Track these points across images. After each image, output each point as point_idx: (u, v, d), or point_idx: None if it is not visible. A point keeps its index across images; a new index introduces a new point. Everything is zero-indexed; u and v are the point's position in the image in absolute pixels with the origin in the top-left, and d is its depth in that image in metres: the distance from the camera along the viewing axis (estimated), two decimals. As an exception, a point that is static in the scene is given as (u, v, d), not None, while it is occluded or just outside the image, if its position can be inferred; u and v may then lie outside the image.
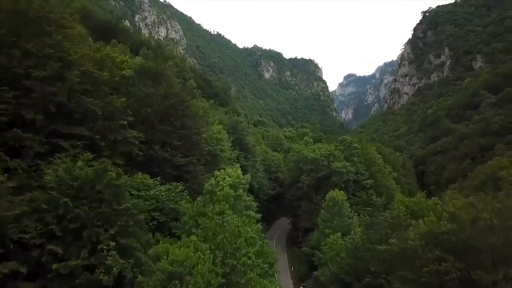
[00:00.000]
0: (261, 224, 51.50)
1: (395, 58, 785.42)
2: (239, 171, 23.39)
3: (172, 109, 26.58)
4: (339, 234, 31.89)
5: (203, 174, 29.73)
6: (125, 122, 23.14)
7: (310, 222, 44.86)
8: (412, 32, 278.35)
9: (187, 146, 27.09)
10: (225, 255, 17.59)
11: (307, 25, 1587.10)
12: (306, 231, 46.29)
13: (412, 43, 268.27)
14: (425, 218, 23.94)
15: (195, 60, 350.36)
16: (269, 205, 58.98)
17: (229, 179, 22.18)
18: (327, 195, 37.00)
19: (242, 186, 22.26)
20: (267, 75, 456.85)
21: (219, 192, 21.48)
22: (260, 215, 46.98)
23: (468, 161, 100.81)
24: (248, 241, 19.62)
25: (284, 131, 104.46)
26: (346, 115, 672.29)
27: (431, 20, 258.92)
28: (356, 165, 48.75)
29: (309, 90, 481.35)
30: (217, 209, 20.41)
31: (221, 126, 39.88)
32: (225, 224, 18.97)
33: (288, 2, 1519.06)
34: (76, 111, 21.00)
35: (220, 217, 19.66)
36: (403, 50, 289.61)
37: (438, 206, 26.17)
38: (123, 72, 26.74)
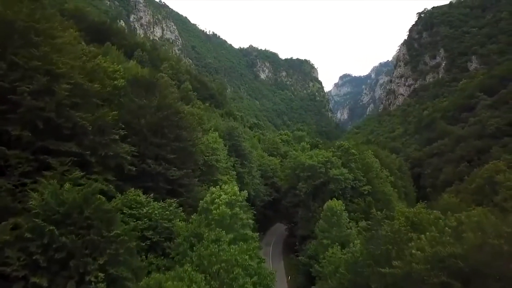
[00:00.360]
0: (257, 231, 50.98)
1: (390, 59, 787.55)
2: (236, 188, 22.55)
3: (166, 121, 25.67)
4: (338, 247, 31.17)
5: (199, 186, 28.87)
6: (117, 137, 22.23)
7: (307, 230, 44.17)
8: (408, 33, 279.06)
9: (181, 158, 26.22)
10: (221, 286, 16.75)
11: (303, 25, 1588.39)
12: (303, 239, 45.59)
13: (407, 44, 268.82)
14: (427, 233, 23.30)
15: (190, 61, 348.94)
16: (265, 211, 58.28)
17: (225, 196, 21.36)
18: (325, 204, 36.29)
19: (238, 203, 21.45)
20: (262, 76, 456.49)
21: (214, 211, 20.65)
22: (258, 224, 46.30)
23: (464, 163, 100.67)
24: (246, 270, 18.76)
25: (281, 135, 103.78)
26: (342, 115, 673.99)
27: (426, 21, 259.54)
28: (354, 171, 48.14)
29: (304, 91, 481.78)
30: (212, 236, 19.49)
31: (216, 133, 39.06)
32: (221, 253, 18.13)
33: (284, 2, 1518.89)
34: (65, 126, 20.05)
35: (216, 246, 18.76)
36: (398, 51, 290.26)
37: (441, 220, 25.43)
38: (115, 82, 25.81)
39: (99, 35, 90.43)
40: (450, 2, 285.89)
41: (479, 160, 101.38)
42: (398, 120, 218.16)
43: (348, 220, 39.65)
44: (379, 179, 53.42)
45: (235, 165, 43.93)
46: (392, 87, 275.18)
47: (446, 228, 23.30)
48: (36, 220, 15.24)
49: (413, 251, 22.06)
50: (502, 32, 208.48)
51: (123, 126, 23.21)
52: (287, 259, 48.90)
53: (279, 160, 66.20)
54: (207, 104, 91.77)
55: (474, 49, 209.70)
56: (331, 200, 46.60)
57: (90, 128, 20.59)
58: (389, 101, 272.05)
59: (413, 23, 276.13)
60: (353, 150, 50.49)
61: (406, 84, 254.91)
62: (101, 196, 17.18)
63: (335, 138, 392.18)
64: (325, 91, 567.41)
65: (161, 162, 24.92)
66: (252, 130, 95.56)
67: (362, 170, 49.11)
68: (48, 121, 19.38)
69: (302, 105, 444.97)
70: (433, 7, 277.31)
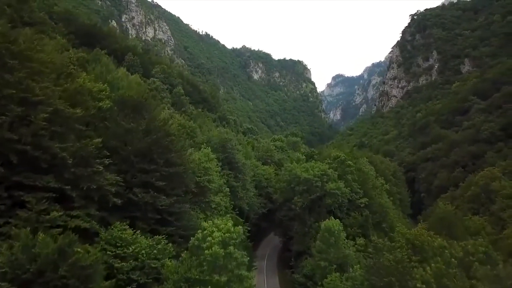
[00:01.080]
0: (251, 241, 49.62)
1: (383, 59, 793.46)
2: (230, 223, 20.97)
3: (155, 145, 23.98)
4: (337, 274, 29.80)
5: (191, 210, 27.19)
6: (101, 168, 20.54)
7: (303, 246, 42.86)
8: (401, 35, 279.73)
9: (171, 184, 24.60)
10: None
11: (296, 25, 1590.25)
12: (299, 255, 44.27)
13: (400, 46, 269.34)
14: (432, 265, 22.09)
15: (183, 61, 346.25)
16: (259, 223, 56.88)
17: (218, 234, 19.77)
18: (322, 224, 34.97)
19: (233, 241, 19.94)
20: (256, 76, 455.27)
21: (207, 251, 19.10)
22: (251, 238, 44.78)
23: (459, 169, 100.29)
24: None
25: (274, 140, 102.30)
26: (335, 115, 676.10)
27: (419, 23, 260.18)
28: (350, 183, 46.93)
29: (297, 91, 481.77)
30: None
31: (209, 149, 37.46)
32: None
33: (277, 3, 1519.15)
34: (42, 158, 18.39)
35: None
36: (391, 52, 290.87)
37: (446, 251, 24.20)
38: (100, 104, 24.11)
39: (89, 38, 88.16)
40: (443, 4, 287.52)
41: (473, 166, 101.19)
42: (392, 123, 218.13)
43: (346, 238, 38.35)
44: (375, 189, 52.30)
45: (229, 179, 42.39)
46: (385, 89, 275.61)
47: (452, 259, 22.13)
48: (3, 284, 13.51)
49: (418, 285, 20.83)
50: (494, 35, 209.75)
51: (108, 153, 21.50)
52: (282, 275, 47.51)
53: (274, 169, 64.78)
54: (200, 110, 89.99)
55: (467, 52, 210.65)
56: (328, 214, 45.46)
57: (70, 161, 18.88)
58: (382, 102, 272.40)
59: (406, 25, 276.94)
60: (349, 162, 49.26)
61: (399, 86, 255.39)
62: (78, 250, 15.49)
63: (328, 139, 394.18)
64: (318, 91, 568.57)
65: (150, 190, 23.21)
66: (245, 136, 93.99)
67: (359, 182, 47.92)
68: (23, 153, 17.69)
69: (295, 106, 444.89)
70: (426, 9, 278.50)
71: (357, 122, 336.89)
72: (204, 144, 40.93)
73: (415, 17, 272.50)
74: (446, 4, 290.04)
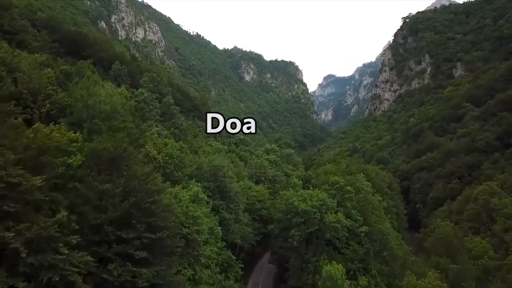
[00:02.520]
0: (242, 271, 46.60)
1: (374, 59, 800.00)
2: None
3: (134, 209, 20.75)
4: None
5: (179, 263, 24.05)
6: (66, 251, 17.27)
7: (300, 281, 39.97)
8: (393, 37, 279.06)
9: (155, 251, 21.25)
10: None
11: (287, 25, 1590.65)
12: (296, 290, 41.41)
13: (393, 49, 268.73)
14: None
15: (174, 63, 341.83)
16: (253, 249, 53.89)
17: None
18: (322, 270, 32.15)
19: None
20: (247, 78, 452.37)
21: None
22: (244, 269, 41.71)
23: (455, 180, 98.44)
24: None
25: (268, 151, 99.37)
26: (326, 116, 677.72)
27: (411, 27, 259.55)
28: (350, 211, 44.24)
29: (289, 93, 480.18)
30: None
31: (199, 187, 34.16)
32: None
33: (268, 3, 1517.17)
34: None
35: None
36: (384, 55, 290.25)
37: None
38: (70, 161, 20.75)
39: (75, 46, 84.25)
40: (435, 7, 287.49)
41: (470, 177, 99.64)
42: (384, 127, 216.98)
43: (347, 273, 35.62)
44: (374, 211, 49.67)
45: (220, 210, 39.26)
46: (377, 92, 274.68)
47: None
48: None
49: None
50: (486, 39, 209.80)
51: (77, 226, 18.18)
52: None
53: (267, 188, 61.86)
54: (190, 122, 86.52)
55: (459, 56, 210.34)
56: (327, 246, 42.68)
57: (25, 253, 15.57)
58: (375, 106, 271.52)
59: (399, 28, 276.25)
60: (348, 187, 46.52)
61: (392, 89, 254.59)
62: None
63: (320, 141, 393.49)
64: (309, 92, 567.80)
65: (128, 264, 19.87)
66: (237, 147, 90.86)
67: (358, 209, 45.23)
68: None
69: (287, 108, 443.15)
70: (418, 12, 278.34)
71: (350, 124, 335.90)
72: (194, 180, 37.62)
73: (407, 20, 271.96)
74: (437, 6, 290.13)
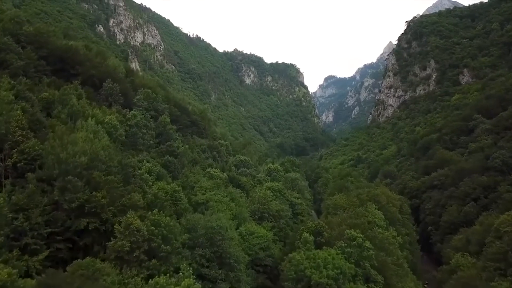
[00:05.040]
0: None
1: (375, 60, 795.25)
2: None
3: None
4: None
5: None
6: None
7: None
8: (397, 42, 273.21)
9: None
10: None
11: (287, 26, 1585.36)
12: None
13: (396, 54, 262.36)
14: None
15: (173, 67, 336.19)
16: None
17: None
18: None
19: None
20: (248, 81, 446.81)
21: None
22: None
23: (470, 203, 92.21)
24: None
25: (270, 171, 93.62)
26: (327, 117, 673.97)
27: (416, 31, 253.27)
28: (369, 272, 38.40)
29: (290, 96, 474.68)
30: None
31: (190, 279, 27.87)
32: None
33: (268, 4, 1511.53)
34: None
35: None
36: (388, 60, 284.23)
37: None
38: None
39: (63, 64, 78.33)
40: (439, 11, 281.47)
41: (486, 199, 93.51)
42: (389, 135, 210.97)
43: None
44: (396, 268, 43.82)
45: (218, 280, 33.23)
46: (380, 97, 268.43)
47: None
48: None
49: None
50: (494, 44, 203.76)
51: None
52: None
53: (272, 227, 56.01)
54: (187, 146, 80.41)
55: (466, 62, 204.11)
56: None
57: None
58: (378, 111, 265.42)
59: (402, 31, 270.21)
60: (367, 244, 40.58)
61: (396, 95, 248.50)
62: None
63: (321, 145, 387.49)
64: (310, 92, 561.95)
65: None
66: (238, 169, 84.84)
67: (378, 269, 39.35)
68: None
69: (288, 111, 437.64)
70: (422, 15, 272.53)
71: (352, 130, 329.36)
72: (187, 249, 31.62)
73: (411, 24, 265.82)
74: (438, 7, 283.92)
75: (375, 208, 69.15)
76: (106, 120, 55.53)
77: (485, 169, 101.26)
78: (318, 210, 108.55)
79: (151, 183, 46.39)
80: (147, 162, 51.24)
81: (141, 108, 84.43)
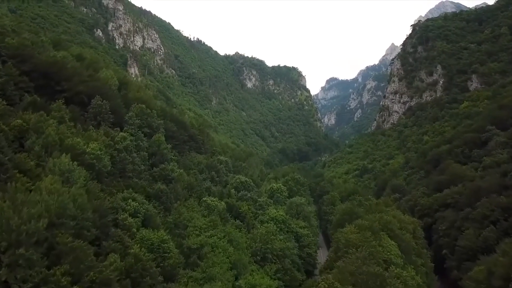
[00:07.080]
0: None
1: (377, 62, 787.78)
2: None
3: None
4: None
5: None
6: None
7: None
8: (402, 46, 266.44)
9: None
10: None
11: (289, 28, 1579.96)
12: None
13: (401, 58, 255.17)
14: None
15: (173, 72, 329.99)
16: None
17: None
18: None
19: None
20: (249, 84, 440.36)
21: None
22: None
23: (489, 228, 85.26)
24: None
25: (273, 191, 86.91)
26: (329, 120, 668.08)
27: (421, 35, 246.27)
28: None
29: (292, 100, 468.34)
30: None
31: None
32: None
33: (269, 6, 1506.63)
34: None
35: None
36: (392, 65, 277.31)
37: None
38: None
39: (48, 80, 71.68)
40: (445, 14, 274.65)
41: (506, 222, 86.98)
42: (395, 143, 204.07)
43: None
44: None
45: None
46: (385, 103, 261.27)
47: None
48: None
49: None
50: (503, 50, 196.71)
51: None
52: None
53: (275, 272, 49.58)
54: (181, 170, 73.92)
55: (474, 68, 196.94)
56: None
57: None
58: (383, 118, 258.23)
59: (407, 35, 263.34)
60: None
61: (401, 101, 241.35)
62: None
63: (324, 150, 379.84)
64: (312, 95, 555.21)
65: None
66: (238, 192, 78.28)
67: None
68: None
69: (290, 115, 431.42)
70: (428, 19, 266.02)
71: (356, 136, 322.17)
72: None
73: (416, 27, 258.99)
74: (441, 8, 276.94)
75: (388, 237, 63.00)
76: (88, 150, 49.01)
77: (502, 187, 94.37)
78: (325, 232, 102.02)
79: (135, 229, 39.95)
80: (133, 200, 44.75)
81: (133, 127, 77.91)
